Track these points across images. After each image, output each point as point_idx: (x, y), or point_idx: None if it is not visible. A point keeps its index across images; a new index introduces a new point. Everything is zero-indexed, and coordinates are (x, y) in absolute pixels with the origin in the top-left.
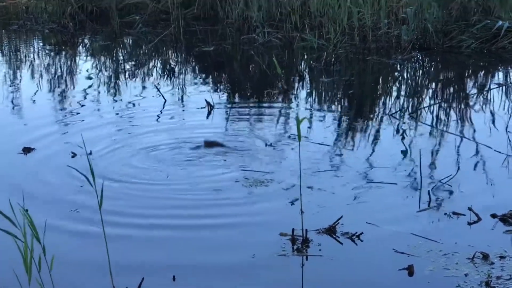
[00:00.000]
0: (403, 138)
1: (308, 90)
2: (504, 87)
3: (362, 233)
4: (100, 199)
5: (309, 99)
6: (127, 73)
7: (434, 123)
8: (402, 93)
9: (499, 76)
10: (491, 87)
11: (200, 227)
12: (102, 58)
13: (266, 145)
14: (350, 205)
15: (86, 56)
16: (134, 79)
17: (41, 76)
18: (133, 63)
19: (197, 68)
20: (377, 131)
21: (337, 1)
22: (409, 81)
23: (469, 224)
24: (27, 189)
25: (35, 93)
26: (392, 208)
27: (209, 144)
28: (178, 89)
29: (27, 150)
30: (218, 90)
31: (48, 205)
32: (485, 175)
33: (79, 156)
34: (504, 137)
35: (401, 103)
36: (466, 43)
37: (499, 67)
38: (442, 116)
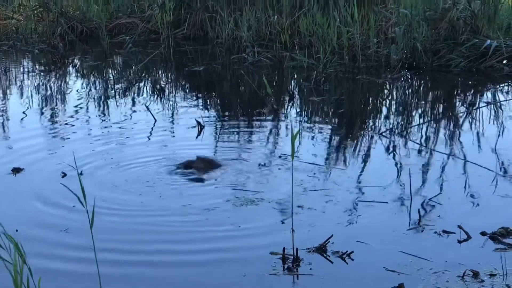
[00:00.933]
0: (393, 156)
1: (299, 110)
2: (492, 106)
3: (352, 251)
4: (91, 219)
5: (299, 118)
6: (117, 93)
7: (423, 142)
8: (392, 111)
9: (488, 94)
10: (480, 106)
11: (189, 245)
12: (92, 78)
13: (259, 165)
14: (340, 224)
15: (76, 76)
16: (124, 99)
17: (30, 96)
18: (123, 83)
19: (187, 87)
20: (367, 150)
21: (327, 21)
22: (398, 99)
23: (459, 242)
24: (17, 209)
25: (24, 113)
26: (383, 227)
27: (201, 160)
28: (168, 109)
29: (16, 170)
30: (209, 110)
31: (38, 226)
32: (475, 193)
33: (69, 177)
34: (493, 155)
35: (390, 122)
36: (455, 62)
37: (488, 86)
38: (432, 135)
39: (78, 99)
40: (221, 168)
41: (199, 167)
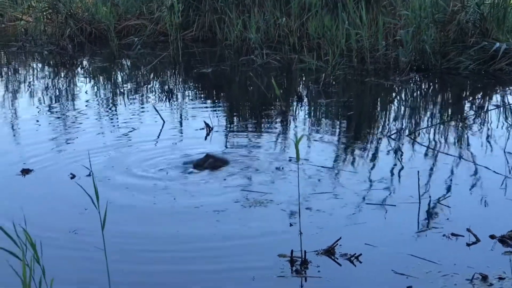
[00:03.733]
0: (401, 159)
1: (307, 112)
2: (501, 109)
3: (360, 254)
4: (103, 221)
5: (307, 121)
6: (125, 95)
7: (432, 144)
8: (400, 114)
9: (497, 97)
10: (489, 108)
11: (198, 247)
12: (101, 80)
13: (268, 167)
14: (348, 227)
15: (85, 77)
16: (133, 100)
17: (39, 97)
18: (131, 84)
19: (195, 89)
20: (376, 152)
21: (335, 23)
22: (407, 102)
23: (468, 245)
24: (26, 211)
25: (33, 114)
26: (391, 229)
27: (211, 157)
28: (177, 110)
29: (25, 171)
30: (217, 112)
31: (47, 227)
32: (484, 196)
33: (78, 178)
34: (502, 158)
35: (399, 124)
36: (463, 65)
37: (497, 89)
38: (440, 137)
39: (87, 100)
40: (230, 168)
41: (209, 163)
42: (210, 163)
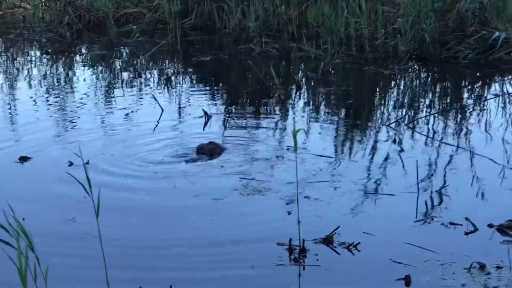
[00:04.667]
0: (400, 148)
1: (306, 100)
2: (500, 98)
3: (359, 243)
4: (97, 208)
5: (306, 109)
6: (124, 83)
7: (430, 134)
8: (399, 103)
9: (496, 86)
10: (488, 98)
11: (197, 236)
12: (99, 68)
13: (266, 156)
14: (347, 215)
15: (83, 65)
16: (131, 88)
17: (38, 85)
18: (130, 72)
19: (194, 77)
20: (374, 141)
21: (334, 12)
22: (406, 91)
23: (466, 234)
24: (24, 198)
25: (32, 102)
26: (389, 218)
27: (211, 144)
28: (176, 98)
29: (24, 159)
30: (216, 100)
31: (45, 214)
32: (482, 186)
33: (76, 165)
34: (500, 148)
35: (398, 113)
36: (463, 54)
37: (496, 78)
38: (439, 126)
39: (85, 88)
40: (229, 156)
41: (209, 149)
42: (210, 149)
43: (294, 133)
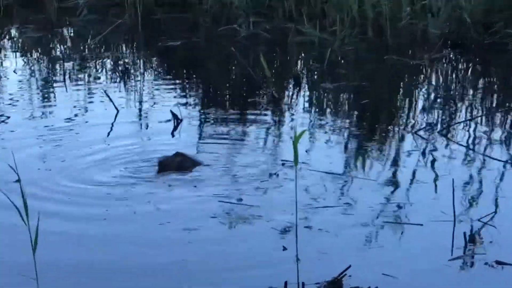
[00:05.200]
0: (431, 163)
1: (306, 99)
2: None
3: (376, 287)
4: (34, 241)
5: (307, 111)
6: (67, 75)
7: (471, 144)
8: (430, 103)
9: None
10: None
11: (163, 283)
12: (35, 55)
13: (255, 173)
14: (360, 251)
15: (14, 52)
16: (77, 82)
17: None
18: (75, 61)
19: (160, 69)
20: (397, 154)
21: None
22: (438, 87)
23: None
24: None
25: None
26: (416, 256)
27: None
28: (135, 96)
29: None
30: (188, 99)
31: None
32: None
33: (9, 182)
34: None
35: (428, 117)
36: None
37: None
38: (482, 135)
39: (16, 82)
40: (203, 171)
41: (177, 162)
42: (178, 162)
43: (295, 141)
